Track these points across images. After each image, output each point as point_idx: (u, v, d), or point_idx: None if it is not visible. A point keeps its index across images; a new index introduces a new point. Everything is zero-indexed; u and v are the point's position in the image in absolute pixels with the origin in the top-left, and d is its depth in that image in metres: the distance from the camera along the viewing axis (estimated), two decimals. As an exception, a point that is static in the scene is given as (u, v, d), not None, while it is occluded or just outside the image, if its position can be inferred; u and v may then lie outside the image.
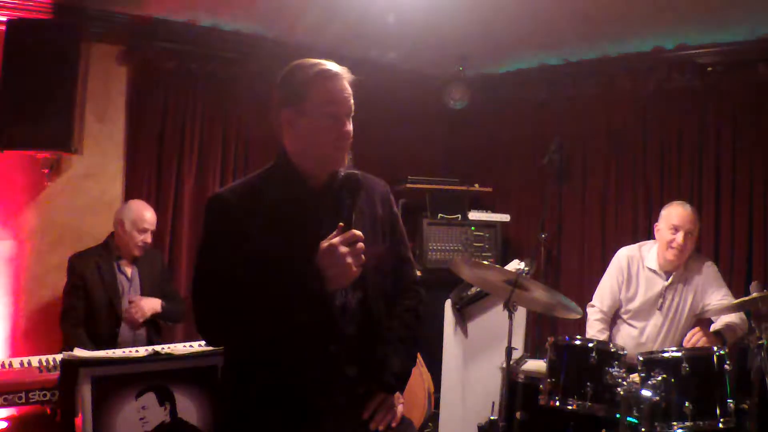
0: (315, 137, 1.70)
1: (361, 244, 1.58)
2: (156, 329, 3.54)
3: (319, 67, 1.72)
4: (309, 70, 1.71)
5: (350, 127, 1.73)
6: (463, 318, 3.75)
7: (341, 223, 1.59)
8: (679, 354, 2.51)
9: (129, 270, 3.48)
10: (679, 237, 3.14)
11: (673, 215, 3.20)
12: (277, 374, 1.68)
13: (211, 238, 1.71)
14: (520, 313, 3.53)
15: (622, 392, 2.44)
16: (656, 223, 3.31)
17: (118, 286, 3.39)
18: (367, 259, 1.62)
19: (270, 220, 1.68)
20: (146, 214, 3.46)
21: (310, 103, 1.69)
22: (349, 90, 1.73)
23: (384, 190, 1.93)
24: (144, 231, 3.43)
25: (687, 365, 2.46)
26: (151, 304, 3.42)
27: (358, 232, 1.58)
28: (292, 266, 1.59)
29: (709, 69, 3.88)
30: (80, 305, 3.30)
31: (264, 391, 1.69)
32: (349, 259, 1.56)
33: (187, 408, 2.68)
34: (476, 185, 4.82)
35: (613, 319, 3.41)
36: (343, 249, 1.56)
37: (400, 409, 1.88)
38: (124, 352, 2.89)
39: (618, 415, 2.45)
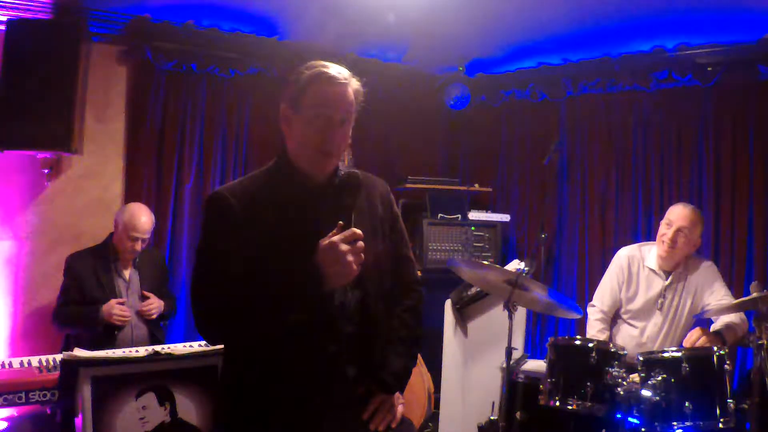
0: (304, 137, 1.72)
1: (361, 243, 1.58)
2: (158, 328, 3.54)
3: (320, 69, 1.72)
4: (310, 71, 1.72)
5: (341, 132, 1.72)
6: (463, 318, 3.75)
7: (341, 222, 1.59)
8: (679, 354, 2.51)
9: (127, 272, 3.46)
10: (670, 232, 3.17)
11: (671, 212, 3.25)
12: (276, 374, 1.68)
13: (211, 237, 1.71)
14: (520, 313, 3.53)
15: (622, 392, 2.44)
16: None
17: (115, 289, 3.37)
18: (366, 258, 1.61)
19: (269, 218, 1.68)
20: (139, 221, 3.37)
21: (303, 103, 1.70)
22: (348, 97, 1.72)
23: (384, 189, 1.93)
24: (133, 239, 3.36)
25: (687, 365, 2.46)
26: (159, 304, 3.48)
27: (359, 231, 1.58)
28: (290, 264, 1.59)
29: (709, 69, 3.88)
30: (75, 300, 3.30)
31: (263, 391, 1.69)
32: (350, 257, 1.56)
33: (187, 408, 2.68)
34: (476, 185, 4.82)
35: (614, 319, 3.41)
36: (344, 247, 1.55)
37: (400, 409, 1.87)
38: (124, 352, 2.89)
39: (618, 415, 2.45)
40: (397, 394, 1.88)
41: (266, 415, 1.68)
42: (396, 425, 1.84)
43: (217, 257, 1.67)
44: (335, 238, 1.56)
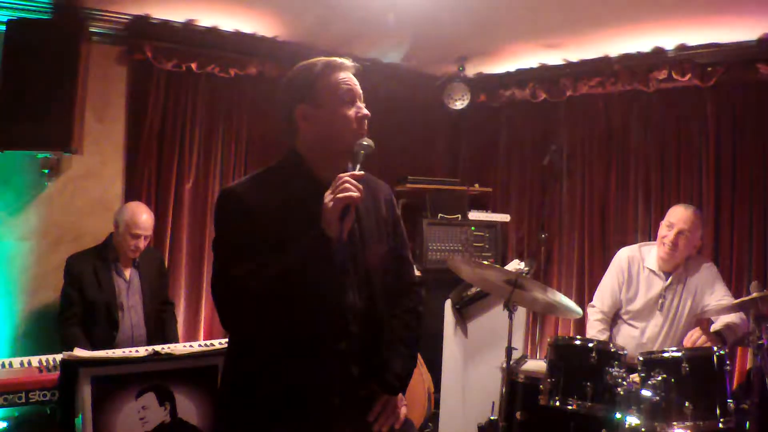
0: (335, 125, 1.73)
1: (344, 178, 1.61)
2: (161, 333, 3.54)
3: (325, 60, 1.77)
4: (317, 64, 1.76)
5: (365, 110, 1.77)
6: (463, 318, 3.75)
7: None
8: (679, 354, 2.51)
9: (127, 272, 3.46)
10: (671, 234, 3.17)
11: (672, 213, 3.25)
12: (283, 370, 1.67)
13: (225, 229, 1.72)
14: (520, 313, 3.53)
15: (622, 392, 2.44)
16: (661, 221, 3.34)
17: (115, 289, 3.38)
18: (372, 260, 1.65)
19: (279, 213, 1.69)
20: (140, 218, 3.39)
21: (323, 94, 1.73)
22: (355, 80, 1.79)
23: (387, 192, 1.96)
24: (136, 237, 3.38)
25: (687, 365, 2.46)
26: None
27: (345, 176, 1.61)
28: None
29: (709, 69, 3.88)
30: (77, 307, 3.30)
31: (270, 388, 1.69)
32: (327, 198, 1.60)
33: (187, 408, 2.68)
34: (476, 185, 4.82)
35: (614, 319, 3.41)
36: (327, 197, 1.61)
37: (403, 411, 1.88)
38: (124, 352, 2.90)
39: (618, 415, 2.45)
40: (400, 395, 1.89)
41: (272, 413, 1.68)
42: (398, 426, 1.85)
43: (233, 247, 1.67)
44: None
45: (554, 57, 4.44)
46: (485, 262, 3.40)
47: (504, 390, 2.82)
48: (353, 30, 3.94)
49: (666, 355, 2.53)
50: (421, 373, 3.74)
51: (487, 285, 3.04)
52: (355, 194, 1.59)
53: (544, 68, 4.63)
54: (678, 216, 3.20)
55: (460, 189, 4.73)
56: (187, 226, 4.07)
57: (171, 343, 3.45)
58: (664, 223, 3.25)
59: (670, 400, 2.43)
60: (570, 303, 2.86)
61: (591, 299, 3.53)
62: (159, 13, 3.79)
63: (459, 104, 4.70)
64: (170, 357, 2.71)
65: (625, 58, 4.19)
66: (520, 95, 4.82)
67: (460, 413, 3.68)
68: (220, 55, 4.08)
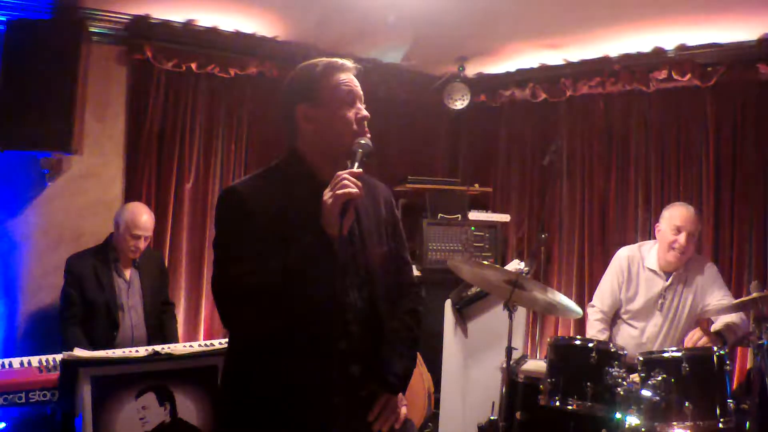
0: (335, 126, 1.73)
1: (343, 175, 1.61)
2: (160, 333, 3.54)
3: (327, 60, 1.78)
4: (318, 65, 1.77)
5: (365, 111, 1.78)
6: (463, 318, 3.75)
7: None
8: (679, 354, 2.51)
9: (128, 273, 3.46)
10: (682, 238, 3.14)
11: (676, 216, 3.20)
12: (282, 370, 1.67)
13: (226, 229, 1.72)
14: (520, 313, 3.53)
15: (622, 392, 2.44)
16: (657, 224, 3.31)
17: (116, 290, 3.37)
18: (373, 260, 1.66)
19: (281, 212, 1.69)
20: (141, 219, 3.39)
21: (323, 95, 1.74)
22: (356, 81, 1.80)
23: (387, 193, 1.97)
24: (136, 237, 3.38)
25: (687, 365, 2.45)
26: None
27: (343, 173, 1.61)
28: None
29: (709, 69, 3.88)
30: (77, 307, 3.30)
31: (266, 390, 1.69)
32: (326, 195, 1.60)
33: (187, 408, 2.68)
34: (476, 185, 4.82)
35: (614, 319, 3.41)
36: (326, 194, 1.62)
37: (403, 411, 1.89)
38: (124, 352, 2.90)
39: (618, 415, 2.45)
40: (401, 395, 1.89)
41: (272, 413, 1.68)
42: (399, 426, 1.85)
43: (234, 246, 1.67)
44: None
45: (554, 57, 4.44)
46: (485, 262, 3.40)
47: (504, 390, 2.82)
48: (353, 30, 3.94)
49: (666, 355, 2.53)
50: (421, 373, 3.74)
51: (487, 285, 3.04)
52: (354, 190, 1.59)
53: (544, 68, 4.63)
54: (685, 219, 3.16)
55: (460, 189, 4.73)
56: (187, 226, 4.07)
57: (171, 343, 3.45)
58: (668, 227, 3.19)
59: (670, 400, 2.42)
60: (570, 303, 2.86)
61: (591, 299, 3.53)
62: (159, 13, 3.80)
63: (459, 104, 4.70)
64: (170, 357, 2.71)
65: (625, 58, 4.20)
66: (520, 95, 4.82)
67: (460, 413, 3.68)
68: (220, 55, 4.09)
